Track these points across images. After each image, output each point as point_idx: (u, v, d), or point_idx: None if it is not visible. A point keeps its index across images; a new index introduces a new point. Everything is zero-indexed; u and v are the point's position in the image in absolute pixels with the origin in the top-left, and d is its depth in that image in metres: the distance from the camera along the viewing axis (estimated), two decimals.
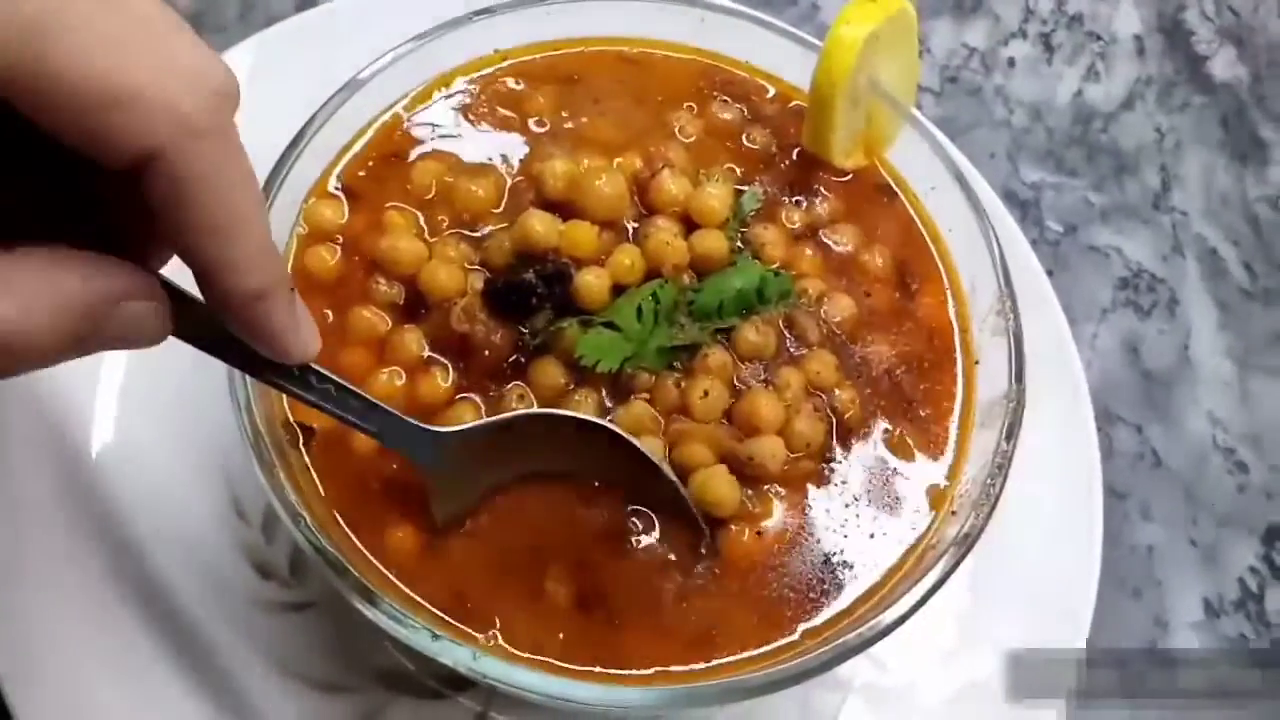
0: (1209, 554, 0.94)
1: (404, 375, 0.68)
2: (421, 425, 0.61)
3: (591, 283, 0.68)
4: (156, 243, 0.49)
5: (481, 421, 0.65)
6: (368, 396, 0.58)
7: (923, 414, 0.72)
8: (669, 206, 0.73)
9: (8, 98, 0.39)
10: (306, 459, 0.65)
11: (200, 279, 0.46)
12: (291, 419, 0.66)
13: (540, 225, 0.69)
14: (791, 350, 0.71)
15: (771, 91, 0.84)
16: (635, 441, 0.64)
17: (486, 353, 0.67)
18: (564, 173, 0.73)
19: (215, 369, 0.63)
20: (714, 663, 0.63)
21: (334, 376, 0.57)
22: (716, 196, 0.73)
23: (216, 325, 0.49)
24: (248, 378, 0.62)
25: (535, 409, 0.67)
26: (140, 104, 0.40)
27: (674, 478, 0.65)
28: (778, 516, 0.67)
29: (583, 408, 0.66)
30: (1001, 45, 1.22)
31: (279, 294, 0.48)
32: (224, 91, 0.43)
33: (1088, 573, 0.82)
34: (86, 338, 0.43)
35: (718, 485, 0.65)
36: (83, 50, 0.39)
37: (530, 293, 0.67)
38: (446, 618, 0.62)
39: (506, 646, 0.62)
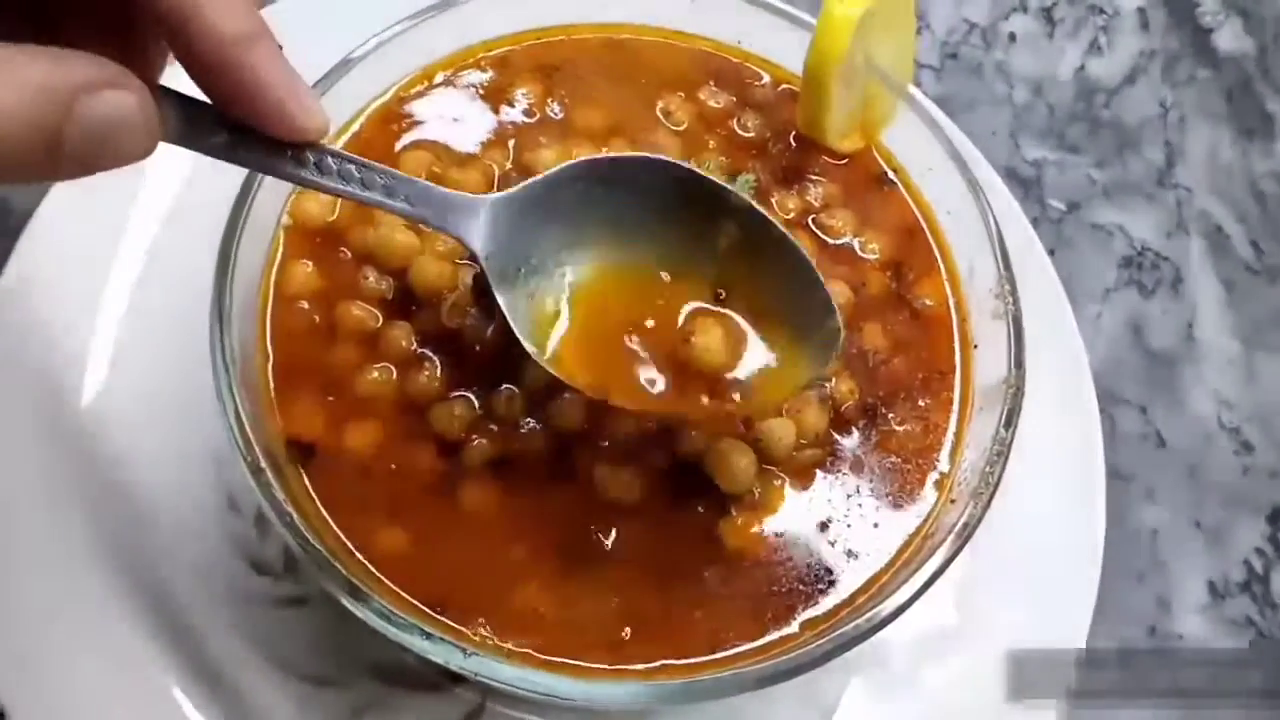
0: (1214, 536, 0.94)
1: (394, 371, 0.67)
2: (468, 195, 0.58)
3: None
4: (134, 45, 0.46)
5: (537, 178, 0.61)
6: (401, 174, 0.55)
7: (921, 401, 0.71)
8: None
9: None
10: (300, 467, 0.65)
11: (173, 35, 0.44)
12: (283, 426, 0.66)
13: None
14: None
15: (765, 76, 0.82)
16: (701, 172, 0.61)
17: (478, 348, 0.66)
18: (554, 162, 0.72)
19: (205, 360, 0.63)
20: (713, 655, 0.62)
21: (353, 156, 0.54)
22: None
23: (219, 122, 0.46)
24: (234, 387, 0.61)
25: (593, 156, 0.64)
26: None
27: (764, 211, 0.61)
28: (778, 505, 0.66)
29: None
30: (1002, 20, 1.20)
31: (264, 43, 0.45)
32: None
33: (1091, 556, 0.81)
34: (61, 138, 0.40)
35: (738, 456, 0.64)
36: None
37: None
38: (437, 614, 0.61)
39: (499, 642, 0.61)
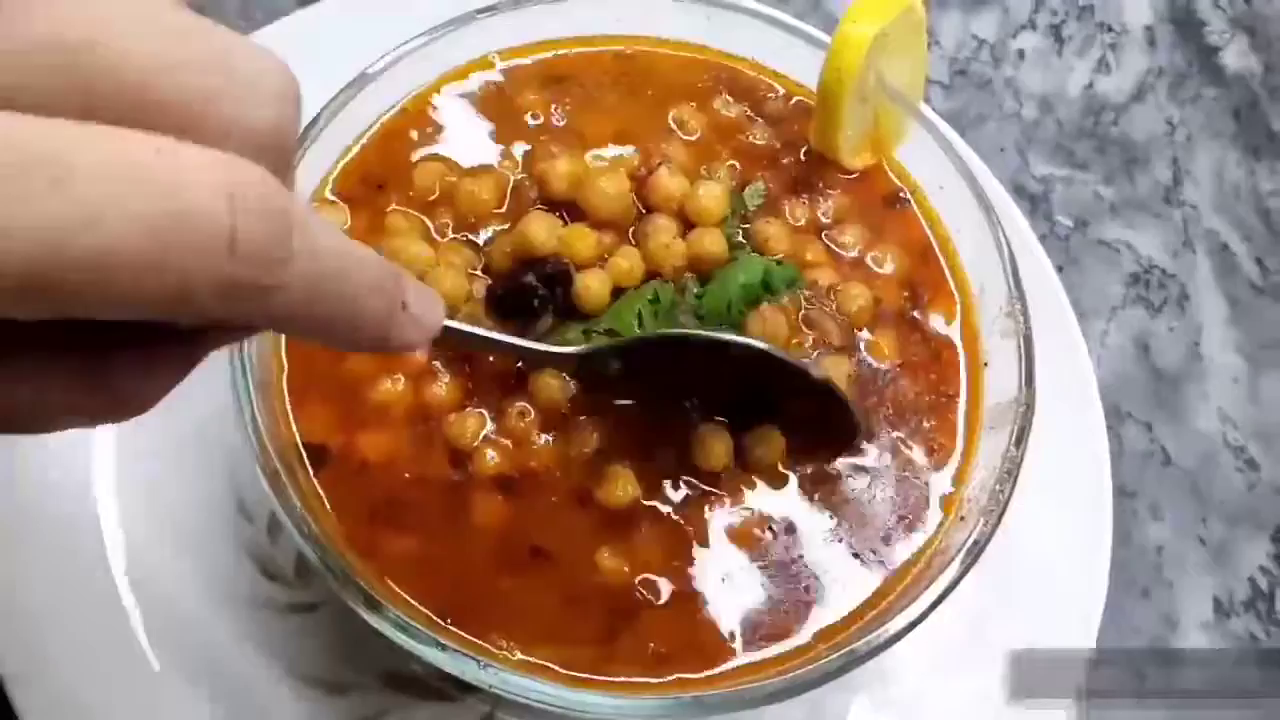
0: (1219, 553, 0.94)
1: (404, 382, 0.68)
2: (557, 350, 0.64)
3: (591, 286, 0.68)
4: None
5: (616, 342, 0.65)
6: (507, 339, 0.63)
7: (930, 421, 0.71)
8: (666, 204, 0.73)
9: None
10: (314, 476, 0.65)
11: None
12: (299, 432, 0.66)
13: (540, 230, 0.69)
14: (812, 354, 0.71)
15: (778, 90, 0.83)
16: (771, 348, 0.64)
17: (491, 359, 0.67)
18: (568, 173, 0.73)
19: (218, 366, 0.63)
20: (721, 668, 0.63)
21: (471, 329, 0.58)
22: (712, 196, 0.73)
23: None
24: (251, 392, 0.62)
25: (661, 331, 0.67)
26: None
27: (824, 374, 0.65)
28: (788, 521, 0.67)
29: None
30: (1011, 37, 1.20)
31: (399, 316, 0.41)
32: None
33: (1097, 573, 0.82)
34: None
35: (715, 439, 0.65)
36: None
37: (531, 295, 0.67)
38: (449, 625, 0.62)
39: (514, 653, 0.62)
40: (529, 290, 0.67)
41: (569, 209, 0.72)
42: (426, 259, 0.70)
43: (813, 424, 0.67)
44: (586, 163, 0.75)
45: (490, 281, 0.70)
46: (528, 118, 0.79)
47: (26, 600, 0.73)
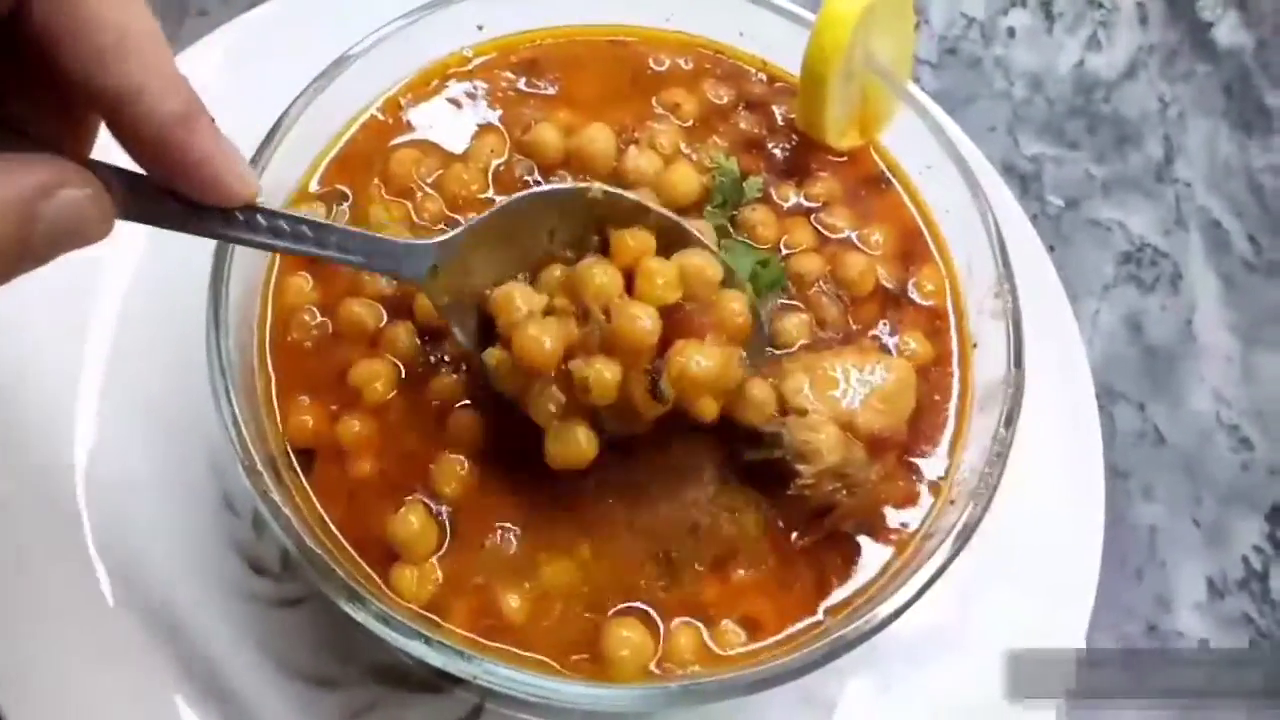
0: (1212, 533, 0.93)
1: (396, 371, 0.67)
2: (409, 240, 0.61)
3: None
4: (71, 119, 0.49)
5: (475, 219, 0.64)
6: (336, 225, 0.58)
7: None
8: (639, 184, 0.73)
9: None
10: (301, 474, 0.65)
11: (113, 116, 0.47)
12: (283, 429, 0.65)
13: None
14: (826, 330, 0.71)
15: (763, 73, 0.82)
16: (628, 194, 0.63)
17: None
18: (557, 135, 0.74)
19: (200, 367, 0.63)
20: (713, 657, 0.62)
21: (288, 211, 0.56)
22: (682, 177, 0.73)
23: (158, 194, 0.49)
24: (232, 393, 0.61)
25: (530, 191, 0.66)
26: None
27: (673, 216, 0.64)
28: (783, 508, 0.66)
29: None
30: (1001, 15, 1.19)
31: (200, 119, 0.48)
32: None
33: (1090, 554, 0.81)
34: (28, 239, 0.44)
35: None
36: None
37: None
38: (435, 617, 0.61)
39: (499, 645, 0.61)
40: None
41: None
42: None
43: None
44: (572, 121, 0.76)
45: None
46: (512, 106, 0.78)
47: (9, 598, 0.72)
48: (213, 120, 0.49)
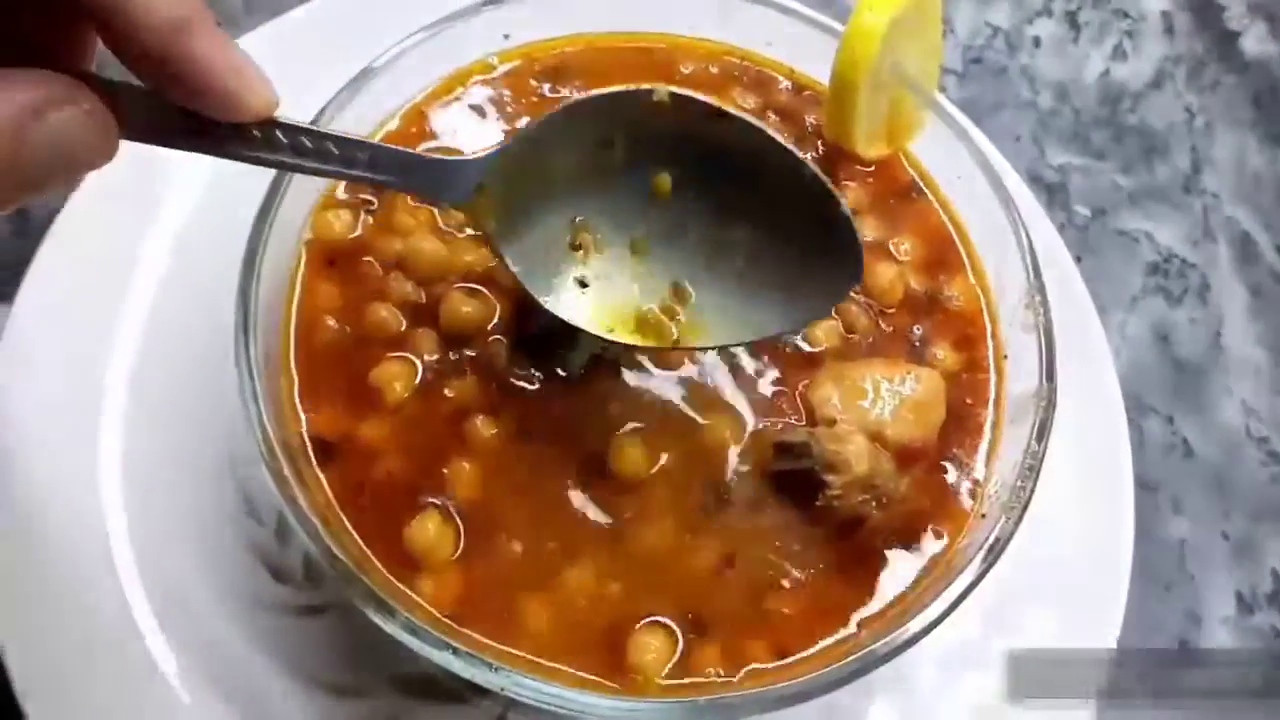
0: (1242, 547, 0.92)
1: (419, 373, 0.67)
2: (453, 157, 0.56)
3: None
4: (67, 32, 0.44)
5: (528, 125, 0.57)
6: (368, 140, 0.52)
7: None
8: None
9: None
10: (320, 473, 0.64)
11: (105, 25, 0.42)
12: (307, 435, 0.65)
13: None
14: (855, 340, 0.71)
15: (790, 81, 0.82)
16: (702, 97, 0.57)
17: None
18: None
19: (224, 366, 0.62)
20: (741, 671, 0.62)
21: (311, 126, 0.51)
22: None
23: (167, 110, 0.45)
24: (259, 395, 0.61)
25: (588, 94, 0.58)
26: None
27: (757, 123, 0.57)
28: (808, 525, 0.65)
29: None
30: (1026, 24, 1.19)
31: (204, 24, 0.43)
32: None
33: (1119, 568, 0.81)
34: (20, 164, 0.40)
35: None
36: None
37: (555, 335, 0.66)
38: (462, 628, 0.61)
39: (527, 656, 0.61)
40: (554, 332, 0.66)
41: None
42: (442, 257, 0.69)
43: (804, 253, 0.59)
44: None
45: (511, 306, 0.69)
46: (533, 111, 0.78)
47: (34, 605, 0.72)
48: (219, 25, 0.44)
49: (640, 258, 0.63)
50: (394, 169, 0.54)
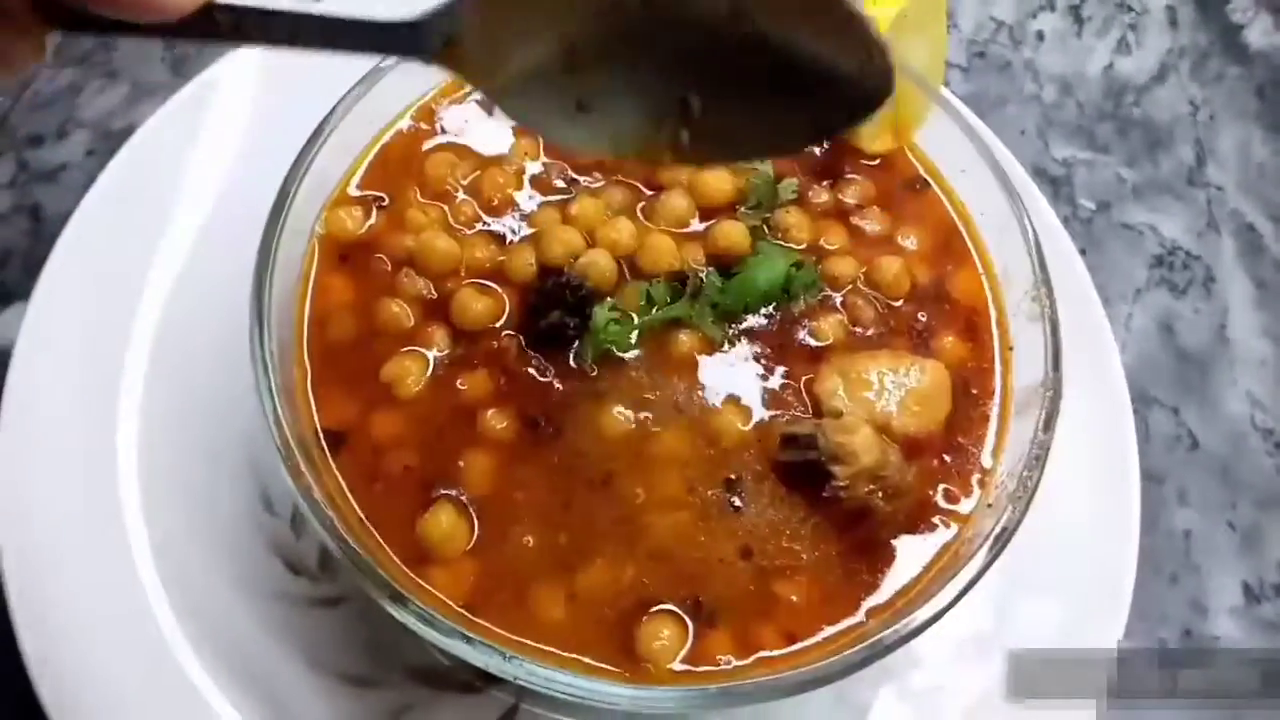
0: (1248, 538, 0.93)
1: (429, 368, 0.68)
2: (398, 21, 0.50)
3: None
4: None
5: None
6: (313, 14, 0.49)
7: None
8: (673, 185, 0.74)
9: None
10: (334, 465, 0.65)
11: None
12: (319, 427, 0.66)
13: (560, 247, 0.70)
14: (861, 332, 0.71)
15: None
16: None
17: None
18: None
19: (238, 362, 0.63)
20: (751, 659, 0.62)
21: (255, 5, 0.48)
22: (718, 180, 0.73)
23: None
24: (274, 390, 0.61)
25: None
26: None
27: None
28: (817, 518, 0.66)
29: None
30: (1030, 18, 1.19)
31: None
32: None
33: (1125, 559, 0.81)
34: None
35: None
36: None
37: (566, 329, 0.68)
38: (475, 618, 0.62)
39: (540, 645, 0.61)
40: (564, 327, 0.68)
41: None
42: (453, 253, 0.70)
43: (821, 61, 0.53)
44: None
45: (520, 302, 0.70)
46: None
47: (51, 597, 0.73)
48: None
49: (642, 72, 0.55)
50: (347, 40, 0.50)
